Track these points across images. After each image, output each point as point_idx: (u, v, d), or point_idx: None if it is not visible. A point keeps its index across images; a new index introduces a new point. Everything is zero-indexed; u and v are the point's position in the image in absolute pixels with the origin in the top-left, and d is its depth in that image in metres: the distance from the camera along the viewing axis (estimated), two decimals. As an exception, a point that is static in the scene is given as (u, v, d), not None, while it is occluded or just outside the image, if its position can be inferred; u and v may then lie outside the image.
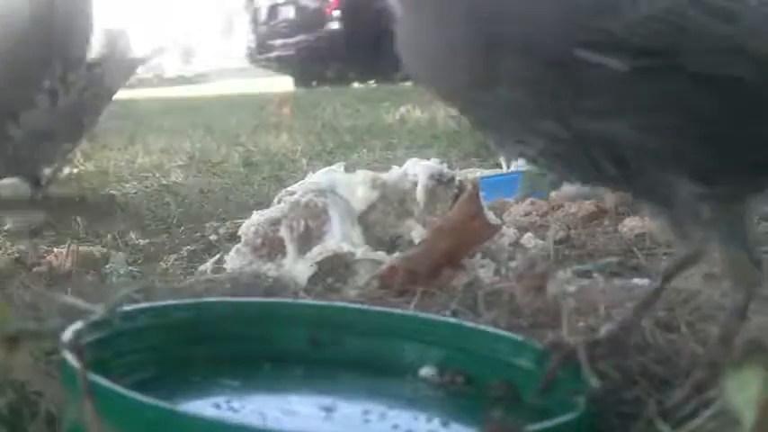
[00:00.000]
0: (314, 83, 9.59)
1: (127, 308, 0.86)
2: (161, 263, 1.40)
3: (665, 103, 0.71)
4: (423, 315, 0.97)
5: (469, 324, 0.93)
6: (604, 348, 0.82)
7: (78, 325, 0.73)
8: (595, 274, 1.16)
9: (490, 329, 0.91)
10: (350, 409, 0.82)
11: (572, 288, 1.11)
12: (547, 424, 0.71)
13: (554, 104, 0.71)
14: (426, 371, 0.89)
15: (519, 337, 0.87)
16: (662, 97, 0.71)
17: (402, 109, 4.22)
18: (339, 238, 1.26)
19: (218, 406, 0.79)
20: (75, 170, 2.43)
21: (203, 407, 0.78)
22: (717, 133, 0.72)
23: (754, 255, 0.76)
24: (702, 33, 0.72)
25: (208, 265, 1.35)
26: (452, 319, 0.98)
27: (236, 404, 0.79)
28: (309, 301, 1.07)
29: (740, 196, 0.75)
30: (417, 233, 1.29)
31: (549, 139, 0.73)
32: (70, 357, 0.69)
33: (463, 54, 0.72)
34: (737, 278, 0.77)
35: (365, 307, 0.99)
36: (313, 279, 1.21)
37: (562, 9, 0.71)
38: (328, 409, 0.80)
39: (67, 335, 0.72)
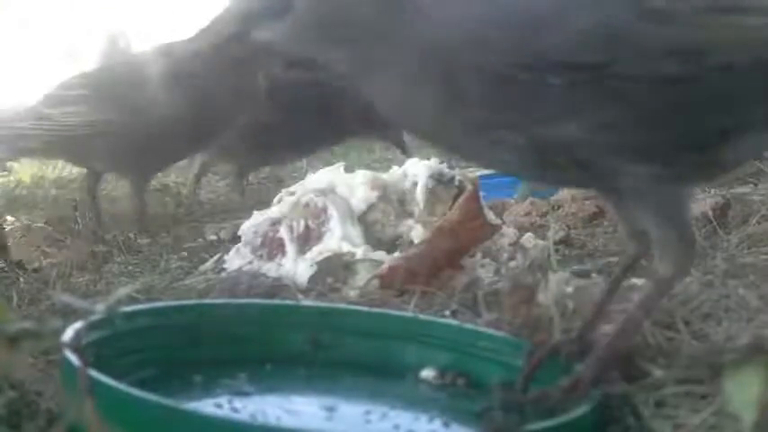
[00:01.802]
0: (313, 83, 9.57)
1: (128, 308, 0.86)
2: (161, 263, 1.40)
3: (605, 104, 0.75)
4: (424, 317, 0.97)
5: (470, 326, 0.93)
6: (573, 347, 0.85)
7: (78, 324, 0.73)
8: (595, 275, 1.16)
9: (491, 331, 0.91)
10: (351, 410, 0.82)
11: (571, 288, 1.11)
12: (547, 423, 0.71)
13: (508, 116, 0.76)
14: (427, 373, 0.89)
15: (520, 339, 0.88)
16: (601, 101, 0.75)
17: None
18: (339, 238, 1.26)
19: (219, 406, 0.79)
20: (75, 170, 2.43)
21: (204, 407, 0.78)
22: (655, 123, 0.76)
23: (687, 235, 0.79)
24: (634, 41, 0.75)
25: (208, 265, 1.35)
26: (453, 321, 0.98)
27: (237, 404, 0.79)
28: (311, 302, 1.07)
29: (680, 179, 0.79)
30: (417, 233, 1.29)
31: (511, 148, 0.77)
32: (71, 356, 0.70)
33: (424, 84, 0.76)
34: (667, 257, 0.79)
35: (366, 309, 0.99)
36: (313, 279, 1.21)
37: (495, 34, 0.75)
38: (330, 409, 0.80)
39: (68, 334, 0.73)
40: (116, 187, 2.21)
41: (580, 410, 0.74)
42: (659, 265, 0.81)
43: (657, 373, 0.82)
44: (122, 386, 0.67)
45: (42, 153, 1.76)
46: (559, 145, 0.76)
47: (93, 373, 0.67)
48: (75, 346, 0.70)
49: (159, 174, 2.34)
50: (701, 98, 0.77)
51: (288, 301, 1.08)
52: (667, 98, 0.76)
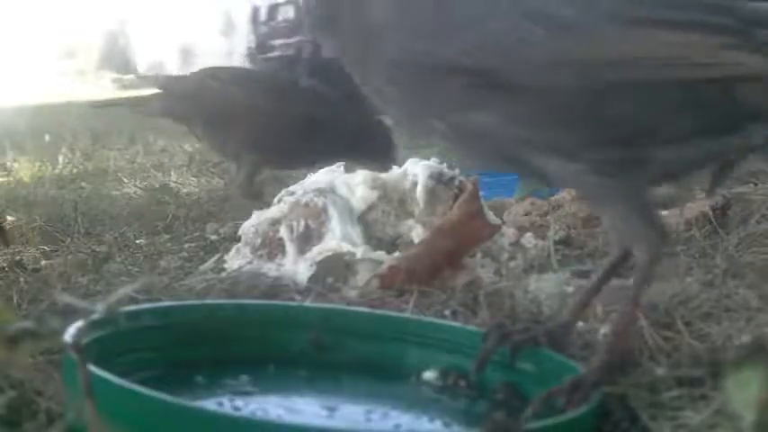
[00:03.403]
0: (314, 83, 9.56)
1: (131, 308, 0.86)
2: (161, 263, 1.40)
3: (504, 103, 0.77)
4: (425, 319, 0.97)
5: (471, 327, 0.93)
6: (543, 341, 0.86)
7: (80, 323, 0.73)
8: (595, 275, 1.16)
9: None
10: (352, 410, 0.82)
11: (571, 288, 1.11)
12: (547, 423, 0.72)
13: (425, 102, 0.80)
14: (429, 374, 0.89)
15: None
16: (500, 100, 0.77)
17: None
18: (339, 238, 1.26)
19: (221, 404, 0.79)
20: (75, 170, 2.43)
21: (206, 405, 0.78)
22: (556, 123, 0.77)
23: (654, 222, 0.81)
24: (524, 51, 0.76)
25: (208, 265, 1.35)
26: (455, 323, 0.98)
27: (239, 403, 0.79)
28: (312, 304, 1.07)
29: (621, 171, 0.79)
30: (417, 233, 1.29)
31: (437, 133, 0.81)
32: (72, 355, 0.70)
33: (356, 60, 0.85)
34: (638, 244, 0.81)
35: (368, 310, 0.99)
36: (313, 279, 1.21)
37: (399, 34, 0.80)
38: (331, 409, 0.81)
39: (69, 333, 0.73)
40: (115, 187, 2.21)
41: (580, 410, 0.74)
42: (636, 256, 0.82)
43: (659, 371, 0.82)
44: (124, 382, 0.68)
45: (189, 119, 1.83)
46: (475, 133, 0.78)
47: (96, 371, 0.67)
48: (77, 344, 0.70)
49: (158, 174, 2.36)
50: (597, 109, 0.76)
51: (289, 302, 1.08)
52: (562, 104, 0.76)
